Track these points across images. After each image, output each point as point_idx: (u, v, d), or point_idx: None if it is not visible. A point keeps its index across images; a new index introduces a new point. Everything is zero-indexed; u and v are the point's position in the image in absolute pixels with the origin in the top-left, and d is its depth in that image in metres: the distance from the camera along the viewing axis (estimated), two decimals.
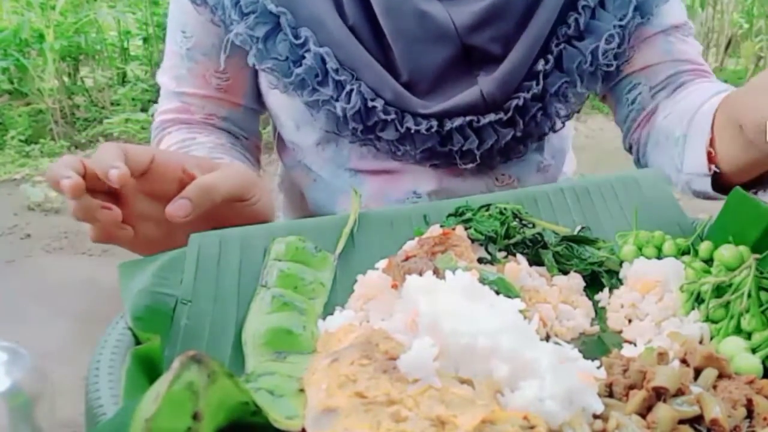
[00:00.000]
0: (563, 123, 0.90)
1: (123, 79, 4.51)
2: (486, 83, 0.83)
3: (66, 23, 4.16)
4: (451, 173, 0.90)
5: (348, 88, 0.83)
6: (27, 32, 3.90)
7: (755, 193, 0.75)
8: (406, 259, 0.56)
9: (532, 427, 0.39)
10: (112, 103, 4.35)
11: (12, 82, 4.26)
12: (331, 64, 0.83)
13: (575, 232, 0.66)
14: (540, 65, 0.84)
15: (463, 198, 0.69)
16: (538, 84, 0.84)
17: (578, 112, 0.93)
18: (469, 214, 0.65)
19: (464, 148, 0.84)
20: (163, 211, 0.63)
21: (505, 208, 0.65)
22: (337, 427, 0.39)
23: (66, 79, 4.35)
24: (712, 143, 0.75)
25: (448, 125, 0.83)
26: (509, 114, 0.84)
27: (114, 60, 4.59)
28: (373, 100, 0.83)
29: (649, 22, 0.89)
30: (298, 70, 0.84)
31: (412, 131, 0.83)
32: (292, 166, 1.00)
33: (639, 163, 0.97)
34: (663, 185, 0.73)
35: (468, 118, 0.83)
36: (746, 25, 5.20)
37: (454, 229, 0.62)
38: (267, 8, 0.83)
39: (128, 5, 4.38)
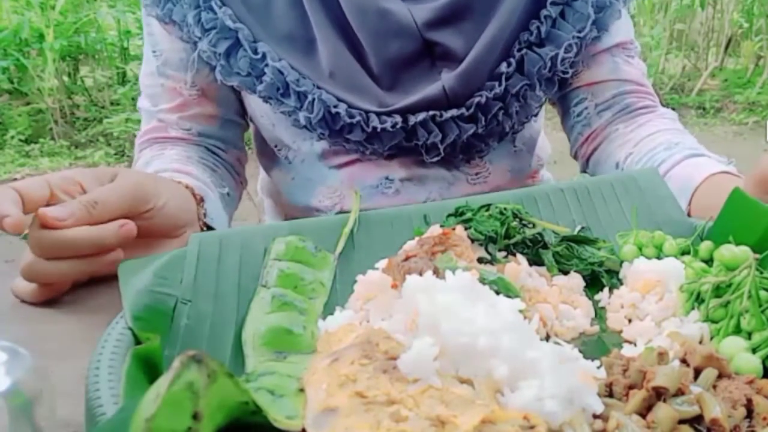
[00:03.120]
0: (522, 125, 0.95)
1: (123, 79, 4.51)
2: (448, 79, 0.86)
3: (66, 23, 4.16)
4: (420, 161, 0.92)
5: (310, 97, 0.85)
6: (27, 32, 3.90)
7: None
8: (406, 259, 0.56)
9: (532, 427, 0.39)
10: (111, 103, 4.35)
11: (12, 82, 4.26)
12: (290, 77, 0.85)
13: (575, 232, 0.66)
14: (503, 67, 0.88)
15: (463, 198, 0.69)
16: (500, 85, 0.88)
17: (535, 115, 0.98)
18: (469, 214, 0.65)
19: (428, 142, 0.88)
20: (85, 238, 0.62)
21: (505, 208, 0.65)
22: (337, 427, 0.39)
23: (66, 78, 4.35)
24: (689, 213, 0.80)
25: (412, 120, 0.86)
26: (471, 110, 0.87)
27: (114, 60, 4.59)
28: (335, 106, 0.85)
29: (599, 39, 0.93)
30: (260, 87, 0.86)
31: (378, 129, 0.86)
32: (270, 167, 1.02)
33: (585, 173, 1.04)
34: (663, 185, 0.73)
35: (431, 113, 0.86)
36: (746, 25, 5.20)
37: (454, 229, 0.62)
38: (226, 24, 0.85)
39: (128, 5, 4.38)
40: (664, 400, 0.43)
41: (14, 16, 4.09)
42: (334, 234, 0.64)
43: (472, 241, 0.62)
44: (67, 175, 0.66)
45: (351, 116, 0.85)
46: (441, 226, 0.64)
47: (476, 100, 0.87)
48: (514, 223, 0.64)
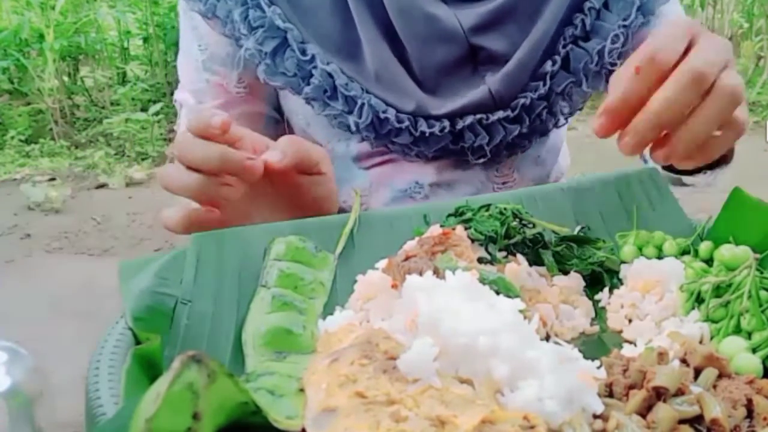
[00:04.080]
0: (566, 120, 0.94)
1: (123, 79, 4.52)
2: (494, 82, 0.86)
3: (66, 23, 4.17)
4: (454, 165, 0.92)
5: (359, 102, 0.85)
6: (27, 32, 3.91)
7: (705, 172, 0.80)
8: (406, 259, 0.56)
9: (532, 427, 0.39)
10: (112, 103, 4.35)
11: (12, 82, 4.26)
12: (340, 81, 0.84)
13: (575, 232, 0.66)
14: (548, 66, 0.87)
15: (463, 198, 0.69)
16: (545, 84, 0.87)
17: (581, 109, 0.96)
18: (469, 214, 0.65)
19: (475, 145, 0.87)
20: (248, 189, 0.66)
21: (505, 208, 0.65)
22: (337, 427, 0.39)
23: (66, 79, 4.35)
24: None
25: (460, 124, 0.86)
26: (516, 112, 0.87)
27: (114, 60, 4.59)
28: (384, 111, 0.85)
29: (647, 23, 0.91)
30: (308, 89, 0.85)
31: (427, 134, 0.85)
32: None
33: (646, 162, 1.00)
34: (663, 185, 0.73)
35: (478, 116, 0.86)
36: (746, 25, 5.20)
37: (454, 229, 0.62)
38: (275, 23, 0.84)
39: (128, 5, 4.39)
40: (664, 400, 0.43)
41: (14, 16, 4.09)
42: (334, 234, 0.64)
43: (472, 241, 0.62)
44: (253, 134, 0.70)
45: (400, 121, 0.85)
46: (441, 226, 0.64)
47: (521, 101, 0.86)
48: (514, 223, 0.64)
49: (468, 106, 0.85)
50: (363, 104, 0.84)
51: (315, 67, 0.84)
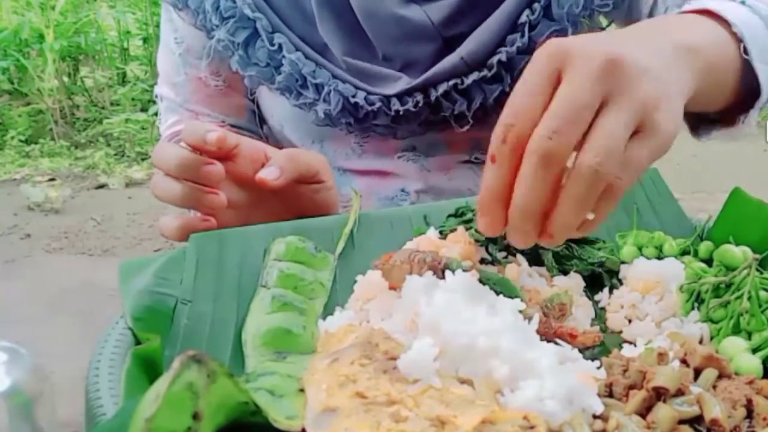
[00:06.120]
0: None
1: (123, 79, 4.51)
2: (464, 46, 0.82)
3: (66, 23, 4.16)
4: (439, 170, 0.90)
5: (326, 89, 0.83)
6: (27, 32, 3.90)
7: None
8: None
9: (532, 427, 0.39)
10: (112, 103, 4.35)
11: (12, 82, 4.26)
12: (306, 69, 0.83)
13: None
14: (525, 16, 0.81)
15: (463, 198, 0.69)
16: (523, 36, 0.81)
17: None
18: (469, 215, 0.65)
19: (456, 112, 0.84)
20: (246, 196, 0.67)
21: None
22: (337, 427, 0.39)
23: (66, 79, 4.35)
24: None
25: (434, 94, 0.83)
26: (494, 70, 0.82)
27: (114, 60, 4.58)
28: (353, 95, 0.83)
29: None
30: (279, 78, 0.84)
31: (401, 112, 0.83)
32: None
33: None
34: (663, 185, 0.73)
35: (452, 82, 0.82)
36: None
37: (454, 229, 0.62)
38: (244, 13, 0.83)
39: (128, 5, 4.38)
40: (664, 401, 0.43)
41: (14, 16, 4.09)
42: (334, 234, 0.64)
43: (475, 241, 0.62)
44: (253, 143, 0.70)
45: (371, 103, 0.82)
46: (441, 226, 0.64)
47: (497, 58, 0.81)
48: None
49: (440, 73, 0.82)
50: (330, 91, 0.83)
51: (284, 56, 0.83)
